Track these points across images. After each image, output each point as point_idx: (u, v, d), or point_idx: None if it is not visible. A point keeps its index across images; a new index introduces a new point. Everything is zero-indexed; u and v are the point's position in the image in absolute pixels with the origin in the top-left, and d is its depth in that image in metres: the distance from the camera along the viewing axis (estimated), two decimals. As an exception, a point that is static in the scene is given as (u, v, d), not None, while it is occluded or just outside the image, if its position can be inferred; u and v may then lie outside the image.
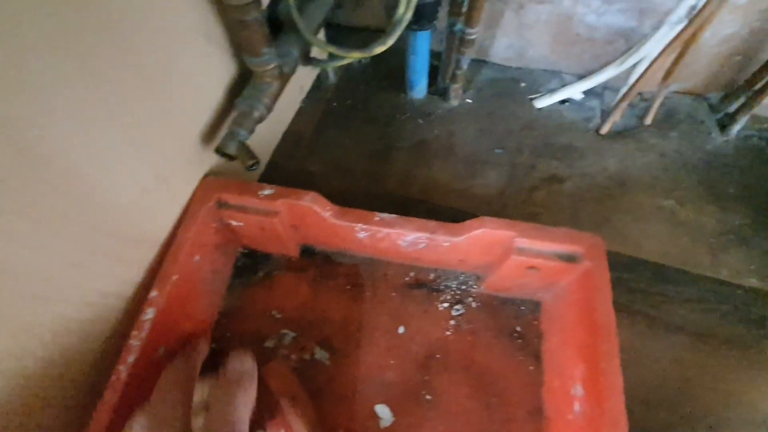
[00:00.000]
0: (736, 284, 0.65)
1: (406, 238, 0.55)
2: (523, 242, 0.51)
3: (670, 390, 0.57)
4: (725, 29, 0.70)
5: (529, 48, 0.83)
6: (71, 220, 0.37)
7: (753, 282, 0.65)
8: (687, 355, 0.60)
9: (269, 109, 0.56)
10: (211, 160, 0.56)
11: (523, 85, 0.85)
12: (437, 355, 0.58)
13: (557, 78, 0.85)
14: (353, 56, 0.62)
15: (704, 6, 0.59)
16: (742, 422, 0.56)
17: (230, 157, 0.52)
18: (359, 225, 0.55)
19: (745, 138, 0.79)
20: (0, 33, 0.28)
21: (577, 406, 0.49)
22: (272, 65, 0.54)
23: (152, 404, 0.39)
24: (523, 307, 0.62)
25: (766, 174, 0.75)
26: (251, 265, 0.65)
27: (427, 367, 0.57)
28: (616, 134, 0.78)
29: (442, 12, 0.70)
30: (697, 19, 0.60)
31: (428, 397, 0.56)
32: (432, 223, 0.53)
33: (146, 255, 0.50)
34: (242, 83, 0.56)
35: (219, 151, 0.52)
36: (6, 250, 0.32)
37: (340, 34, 0.90)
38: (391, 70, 0.85)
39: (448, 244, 0.54)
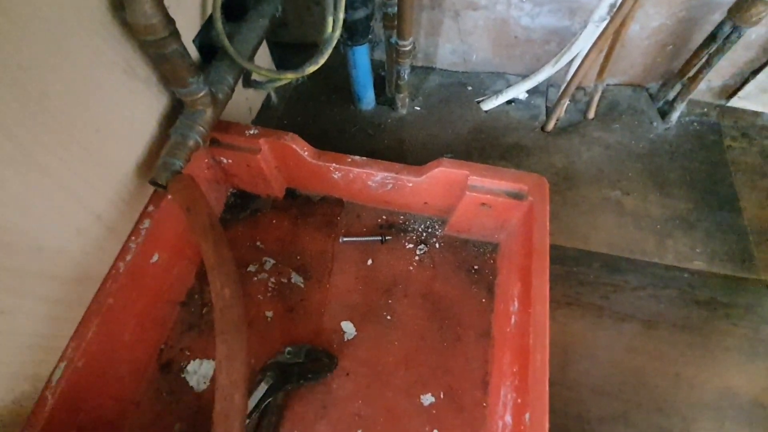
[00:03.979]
0: (682, 268, 0.66)
1: (374, 179, 0.62)
2: (475, 180, 0.58)
3: (622, 378, 0.59)
4: (652, 22, 0.72)
5: (473, 52, 0.85)
6: (-9, 268, 0.37)
7: (699, 264, 0.67)
8: (637, 342, 0.61)
9: (204, 136, 0.57)
10: (149, 189, 0.57)
11: (469, 88, 0.86)
12: (400, 285, 0.65)
13: (502, 79, 0.87)
14: (287, 77, 0.63)
15: (622, 3, 0.60)
16: (691, 404, 0.57)
17: (164, 188, 0.52)
18: (333, 164, 0.62)
19: (686, 124, 0.81)
20: None
21: (513, 320, 0.54)
22: (202, 93, 0.54)
23: None
24: (482, 248, 0.68)
25: (706, 157, 0.77)
26: (240, 203, 0.72)
27: (390, 294, 0.65)
28: (561, 130, 0.80)
29: (379, 25, 0.72)
30: (617, 16, 0.62)
31: (388, 317, 0.62)
32: (397, 165, 0.61)
33: (88, 292, 0.50)
34: (176, 112, 0.57)
35: (153, 182, 0.52)
36: None
37: (288, 51, 0.91)
38: (339, 83, 0.86)
39: (411, 184, 0.62)
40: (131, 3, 0.42)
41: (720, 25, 0.66)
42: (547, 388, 0.43)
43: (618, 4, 0.61)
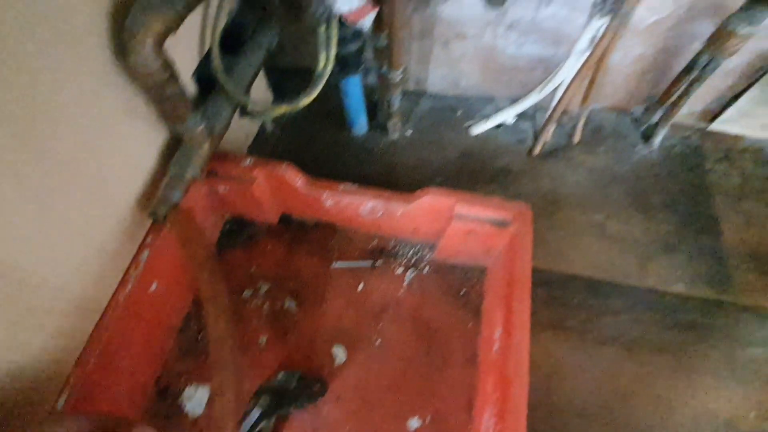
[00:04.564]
0: (663, 291, 0.69)
1: (365, 206, 0.65)
2: (461, 209, 0.60)
3: (604, 400, 0.61)
4: (634, 51, 0.75)
5: (462, 78, 0.88)
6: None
7: (679, 287, 0.69)
8: (619, 365, 0.63)
9: (202, 169, 0.59)
10: (147, 224, 0.59)
11: (459, 113, 0.89)
12: (389, 310, 0.67)
13: (491, 104, 0.89)
14: (281, 110, 0.66)
15: (602, 37, 0.63)
16: (672, 426, 0.59)
17: (163, 220, 0.55)
18: (326, 192, 0.64)
19: (669, 147, 0.83)
20: None
21: (496, 345, 0.56)
22: (199, 128, 0.57)
23: None
24: (469, 272, 0.70)
25: (688, 180, 0.80)
26: (237, 229, 0.75)
27: (380, 318, 0.67)
28: (548, 154, 0.83)
29: (371, 55, 0.74)
30: (598, 48, 0.65)
31: (378, 342, 0.64)
32: (386, 193, 0.63)
33: (90, 322, 0.52)
34: (176, 145, 0.59)
35: (152, 215, 0.55)
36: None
37: (284, 76, 0.93)
38: (333, 109, 0.88)
39: (400, 212, 0.64)
40: (133, 51, 0.45)
41: (698, 56, 0.69)
42: (525, 417, 0.45)
43: (598, 37, 0.64)
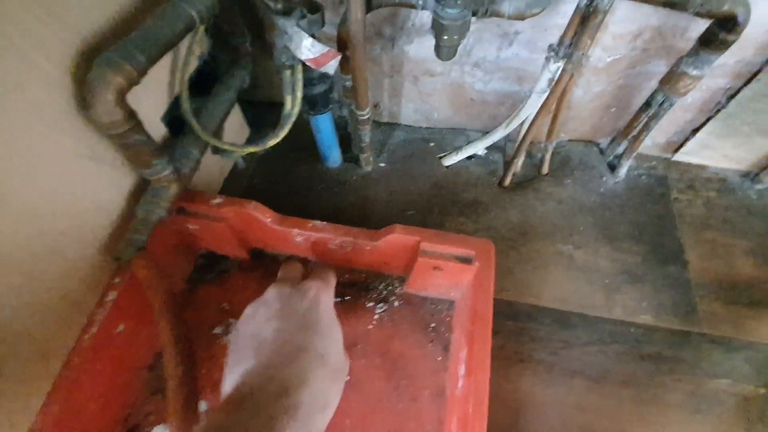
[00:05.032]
0: (629, 322, 0.70)
1: (334, 242, 0.65)
2: (426, 246, 0.61)
3: (571, 436, 0.61)
4: (594, 88, 0.77)
5: (434, 111, 0.90)
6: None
7: (645, 319, 0.70)
8: (585, 398, 0.63)
9: (169, 210, 0.60)
10: (113, 266, 0.60)
11: (432, 144, 0.91)
12: (359, 345, 0.67)
13: (463, 135, 0.92)
14: (249, 150, 0.67)
15: (559, 79, 0.66)
16: (637, 461, 0.59)
17: (127, 263, 0.55)
18: (295, 230, 0.64)
19: (635, 177, 0.86)
20: None
21: (460, 383, 0.56)
22: (166, 172, 0.58)
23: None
24: (439, 305, 0.70)
25: (654, 210, 0.82)
26: (209, 265, 0.75)
27: (350, 353, 0.66)
28: (517, 185, 0.84)
29: (341, 92, 0.76)
30: (557, 89, 0.67)
31: (347, 378, 0.61)
32: (355, 230, 0.63)
33: (54, 367, 0.52)
34: (143, 187, 0.60)
35: (117, 259, 0.55)
36: None
37: (261, 109, 0.96)
38: (307, 143, 0.90)
39: (369, 247, 0.64)
40: (95, 103, 0.47)
41: (653, 94, 0.71)
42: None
43: (555, 79, 0.67)
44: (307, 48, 0.58)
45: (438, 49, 0.54)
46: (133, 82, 0.48)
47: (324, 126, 0.77)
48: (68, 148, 0.50)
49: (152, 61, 0.50)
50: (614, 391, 0.64)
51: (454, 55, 0.56)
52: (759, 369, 0.66)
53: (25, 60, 0.42)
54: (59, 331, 0.52)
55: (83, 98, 0.48)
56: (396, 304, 0.71)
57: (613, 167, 0.86)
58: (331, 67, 0.62)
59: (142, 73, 0.49)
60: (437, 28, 0.51)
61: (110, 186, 0.58)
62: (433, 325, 0.69)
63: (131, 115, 0.50)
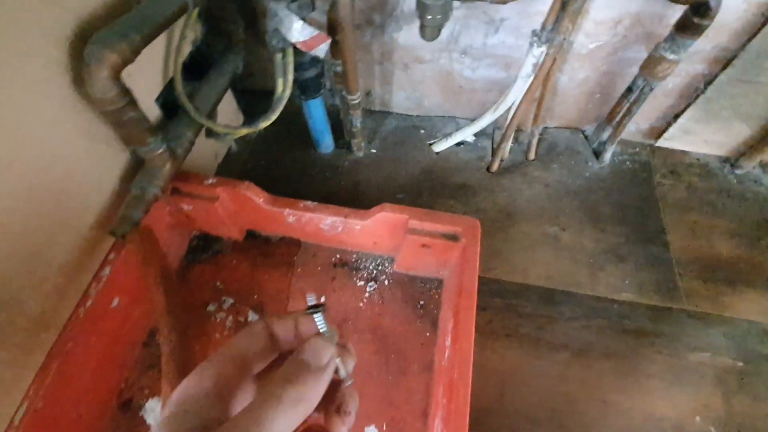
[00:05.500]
0: (612, 299, 0.72)
1: (325, 222, 0.67)
2: (415, 224, 0.63)
3: (555, 405, 0.63)
4: (578, 74, 0.80)
5: (424, 99, 0.92)
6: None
7: (627, 296, 0.72)
8: (569, 371, 0.65)
9: (163, 189, 0.62)
10: (107, 242, 0.61)
11: (422, 131, 0.93)
12: (350, 321, 0.69)
13: (453, 122, 0.94)
14: (242, 132, 0.69)
15: (543, 63, 0.68)
16: (618, 429, 0.61)
17: (122, 238, 0.57)
18: (287, 210, 0.67)
19: (619, 162, 0.88)
20: None
21: (446, 354, 0.58)
22: (160, 150, 0.59)
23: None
24: (428, 284, 0.72)
25: (637, 193, 0.84)
26: (203, 245, 0.77)
27: (341, 330, 0.69)
28: (505, 170, 0.87)
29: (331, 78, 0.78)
30: (540, 73, 0.70)
31: None
32: (345, 210, 0.66)
33: (50, 337, 0.53)
34: (138, 166, 0.62)
35: (113, 233, 0.57)
36: None
37: (254, 98, 0.97)
38: (300, 129, 0.92)
39: (359, 227, 0.67)
40: (90, 79, 0.48)
41: (635, 79, 0.74)
42: (467, 421, 0.47)
43: (539, 63, 0.69)
44: (298, 31, 0.60)
45: (422, 29, 0.57)
46: (127, 60, 0.50)
47: (316, 111, 0.79)
48: (66, 124, 0.51)
49: (146, 40, 0.52)
50: (597, 363, 0.66)
51: (437, 35, 0.58)
52: (737, 343, 0.68)
53: (27, 39, 0.44)
54: (55, 302, 0.54)
55: (79, 75, 0.49)
56: (386, 282, 0.73)
57: (598, 153, 0.88)
58: (322, 50, 0.64)
59: (136, 51, 0.51)
60: (421, 8, 0.53)
61: (105, 164, 0.59)
62: (422, 302, 0.71)
63: (125, 92, 0.51)
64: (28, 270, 0.49)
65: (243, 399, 0.23)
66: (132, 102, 0.53)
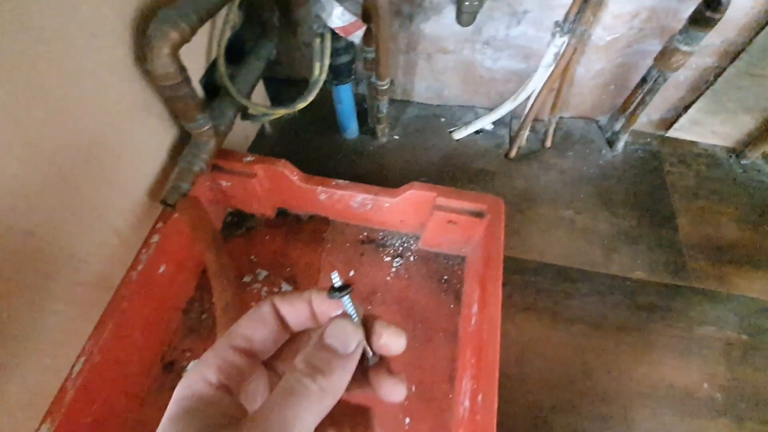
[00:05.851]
0: (625, 277, 0.76)
1: (355, 199, 0.72)
2: (442, 201, 0.67)
3: (571, 372, 0.67)
4: (595, 66, 0.84)
5: (445, 89, 0.96)
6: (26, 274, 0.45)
7: (639, 274, 0.76)
8: (585, 341, 0.69)
9: (208, 163, 0.66)
10: (158, 209, 0.65)
11: (443, 119, 0.97)
12: (378, 293, 0.73)
13: (472, 112, 0.98)
14: (280, 112, 0.73)
15: (564, 53, 0.72)
16: (631, 395, 0.65)
17: (173, 207, 0.61)
18: (320, 187, 0.71)
19: (631, 152, 0.92)
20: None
21: (473, 320, 0.62)
22: (207, 127, 0.63)
23: None
24: (451, 260, 0.77)
25: (648, 181, 0.88)
26: (237, 222, 0.82)
27: (369, 301, 0.73)
28: (523, 157, 0.91)
29: (361, 66, 0.82)
30: (561, 62, 0.74)
31: None
32: (375, 188, 0.70)
33: (105, 296, 0.57)
34: (184, 142, 0.66)
35: (164, 202, 0.61)
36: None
37: (281, 86, 1.01)
38: (327, 115, 0.96)
39: (388, 204, 0.71)
40: (152, 55, 0.52)
41: (649, 70, 0.78)
42: (497, 373, 0.51)
43: (561, 53, 0.73)
44: (338, 16, 0.65)
45: (460, 15, 0.61)
46: (185, 39, 0.54)
47: (345, 96, 0.83)
48: (128, 97, 0.55)
49: (202, 20, 0.56)
50: (611, 336, 0.70)
51: (473, 20, 0.62)
52: (741, 318, 0.72)
53: (97, 12, 0.48)
54: (111, 264, 0.58)
55: (142, 51, 0.53)
56: (411, 259, 0.77)
57: (611, 142, 0.92)
58: (357, 36, 0.68)
59: (194, 31, 0.55)
60: (458, -5, 0.57)
61: (157, 137, 0.63)
62: (445, 277, 0.75)
63: (182, 69, 0.55)
64: (94, 231, 0.53)
65: (255, 391, 0.21)
66: (187, 79, 0.57)
